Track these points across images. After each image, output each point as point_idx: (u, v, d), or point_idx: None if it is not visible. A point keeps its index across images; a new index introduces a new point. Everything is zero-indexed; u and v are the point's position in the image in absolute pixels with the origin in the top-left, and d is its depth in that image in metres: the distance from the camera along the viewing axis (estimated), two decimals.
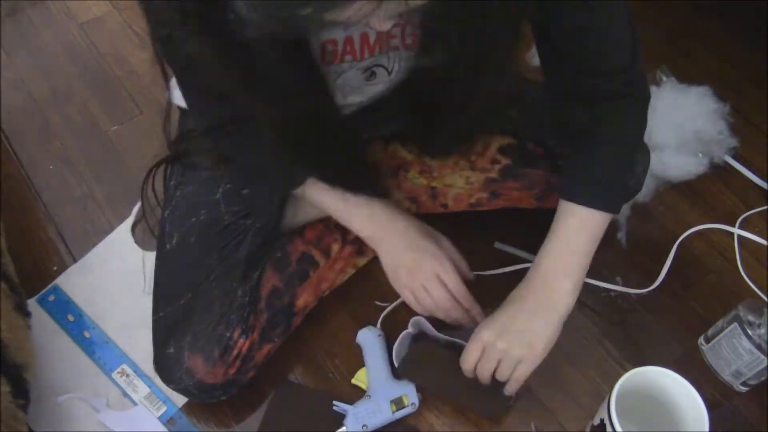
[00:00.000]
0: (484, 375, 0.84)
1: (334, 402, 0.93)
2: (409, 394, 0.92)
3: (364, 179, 0.91)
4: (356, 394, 0.95)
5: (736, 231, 1.11)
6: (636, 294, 1.04)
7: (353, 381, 0.96)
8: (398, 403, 0.92)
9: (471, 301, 0.91)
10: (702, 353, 1.00)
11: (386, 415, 0.91)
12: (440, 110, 0.82)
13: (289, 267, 0.95)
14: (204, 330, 0.87)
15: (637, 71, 0.79)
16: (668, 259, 1.07)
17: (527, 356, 0.81)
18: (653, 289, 1.05)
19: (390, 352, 0.95)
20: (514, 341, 0.81)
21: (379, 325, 1.01)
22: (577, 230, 0.83)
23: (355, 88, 0.81)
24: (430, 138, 0.92)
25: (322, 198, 0.89)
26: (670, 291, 1.06)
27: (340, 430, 0.91)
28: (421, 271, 0.89)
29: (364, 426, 0.90)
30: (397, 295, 0.95)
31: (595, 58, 0.76)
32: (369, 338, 0.97)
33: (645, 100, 0.82)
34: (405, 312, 1.00)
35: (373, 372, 0.94)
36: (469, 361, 0.84)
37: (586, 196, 0.82)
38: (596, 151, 0.82)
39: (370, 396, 0.92)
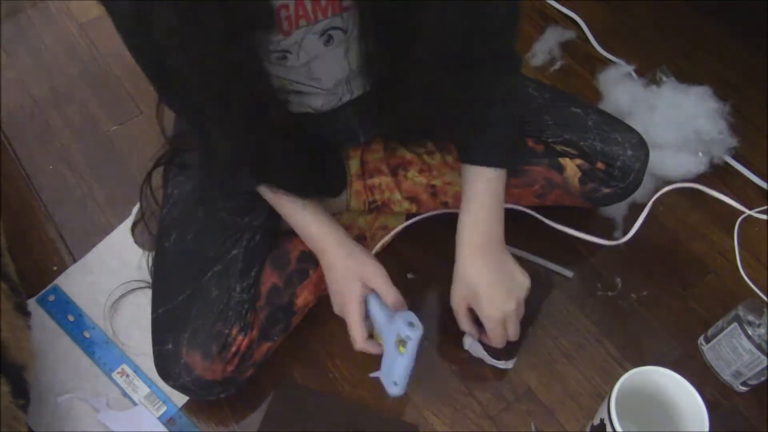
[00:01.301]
0: (513, 335, 0.89)
1: (371, 374, 0.90)
2: (401, 329, 0.86)
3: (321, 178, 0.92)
4: (356, 392, 0.95)
5: (736, 231, 1.11)
6: (607, 246, 1.05)
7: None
8: (402, 342, 0.86)
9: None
10: (702, 353, 1.00)
11: (400, 360, 0.86)
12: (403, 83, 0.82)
13: (289, 266, 0.95)
14: (202, 326, 0.87)
15: (514, 37, 0.89)
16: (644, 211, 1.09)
17: (525, 292, 0.89)
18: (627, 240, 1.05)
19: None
20: (516, 295, 0.87)
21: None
22: (496, 192, 0.88)
23: (317, 59, 0.79)
24: (397, 119, 0.90)
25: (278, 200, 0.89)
26: (670, 291, 1.06)
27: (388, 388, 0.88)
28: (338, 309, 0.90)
29: (395, 383, 0.87)
30: (419, 270, 0.98)
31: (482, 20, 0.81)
32: (368, 302, 0.90)
33: (519, 62, 0.92)
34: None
35: (377, 327, 0.89)
36: (501, 340, 0.89)
37: (500, 158, 0.88)
38: (491, 115, 0.88)
39: (384, 350, 0.88)
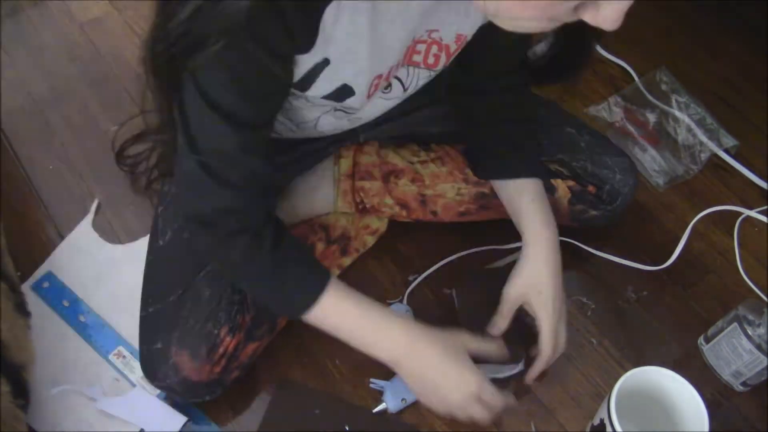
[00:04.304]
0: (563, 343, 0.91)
1: (371, 380, 0.95)
2: None
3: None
4: (356, 392, 0.95)
5: (736, 231, 1.11)
6: (648, 270, 1.05)
7: None
8: None
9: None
10: (702, 353, 1.00)
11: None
12: None
13: None
14: (193, 327, 0.87)
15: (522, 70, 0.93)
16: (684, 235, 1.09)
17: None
18: (662, 273, 1.05)
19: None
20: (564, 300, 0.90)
21: (405, 300, 1.02)
22: (542, 197, 0.92)
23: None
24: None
25: (340, 318, 0.85)
26: (670, 291, 1.06)
27: (380, 406, 0.93)
28: (460, 396, 0.83)
29: (403, 400, 0.92)
30: (419, 270, 1.01)
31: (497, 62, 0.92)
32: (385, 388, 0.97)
33: (527, 86, 0.98)
34: (428, 288, 1.03)
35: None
36: (553, 346, 0.89)
37: (532, 167, 0.93)
38: (516, 132, 0.94)
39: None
